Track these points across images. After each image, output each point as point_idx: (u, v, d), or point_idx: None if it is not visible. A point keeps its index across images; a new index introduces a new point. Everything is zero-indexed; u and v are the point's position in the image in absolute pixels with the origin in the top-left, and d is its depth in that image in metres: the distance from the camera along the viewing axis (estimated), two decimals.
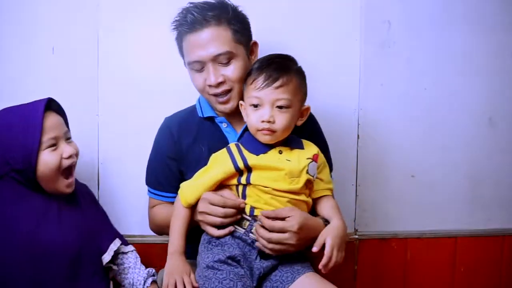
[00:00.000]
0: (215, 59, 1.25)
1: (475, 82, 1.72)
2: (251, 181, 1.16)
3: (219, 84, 1.26)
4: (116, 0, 1.56)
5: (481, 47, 1.71)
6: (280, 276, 1.16)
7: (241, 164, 1.16)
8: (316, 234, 1.14)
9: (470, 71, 1.72)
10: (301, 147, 1.23)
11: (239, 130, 1.35)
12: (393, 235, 1.73)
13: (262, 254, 1.16)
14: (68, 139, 1.25)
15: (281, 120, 1.15)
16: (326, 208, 1.24)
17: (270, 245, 1.12)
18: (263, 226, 1.13)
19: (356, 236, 1.71)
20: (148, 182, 1.42)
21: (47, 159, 1.15)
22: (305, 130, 1.29)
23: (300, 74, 1.20)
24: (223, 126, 1.35)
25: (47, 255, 1.15)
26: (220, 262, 1.13)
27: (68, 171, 1.22)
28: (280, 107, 1.15)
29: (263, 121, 1.14)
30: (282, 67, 1.17)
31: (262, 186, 1.15)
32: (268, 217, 1.13)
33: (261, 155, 1.18)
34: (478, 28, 1.71)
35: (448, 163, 1.73)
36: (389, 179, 1.71)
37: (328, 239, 1.12)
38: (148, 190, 1.43)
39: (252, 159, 1.17)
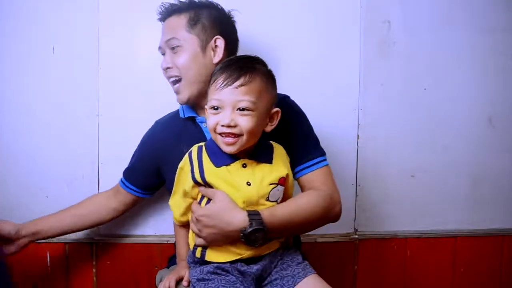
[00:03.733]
0: (167, 45, 1.33)
1: (475, 82, 1.72)
2: None
3: (168, 69, 1.34)
4: (116, 0, 1.56)
5: (481, 47, 1.71)
6: (281, 280, 1.13)
7: (199, 180, 1.10)
8: (232, 229, 1.06)
9: (470, 71, 1.72)
10: (269, 160, 1.13)
11: None
12: (393, 235, 1.73)
13: (245, 260, 1.12)
14: None
15: (244, 123, 1.05)
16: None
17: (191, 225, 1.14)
18: None
19: (356, 236, 1.71)
20: (125, 169, 1.47)
21: None
22: (279, 123, 1.16)
23: (266, 75, 1.11)
24: (204, 125, 1.35)
25: None
26: (210, 273, 1.11)
27: None
28: (241, 109, 1.05)
29: (223, 125, 1.05)
30: (245, 66, 1.08)
31: None
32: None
33: (223, 168, 1.10)
34: (478, 28, 1.71)
35: (448, 163, 1.73)
36: (389, 179, 1.71)
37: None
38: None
39: (210, 174, 1.09)
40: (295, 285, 1.12)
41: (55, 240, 1.58)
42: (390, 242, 1.73)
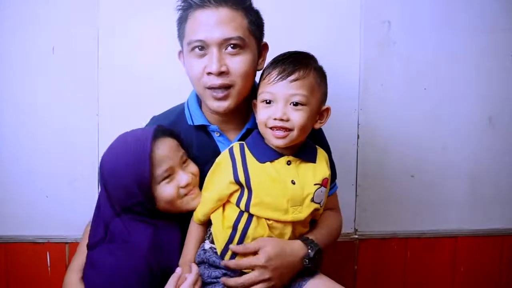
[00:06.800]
0: (222, 43, 1.10)
1: (475, 82, 1.72)
2: (251, 209, 1.05)
3: (220, 74, 1.10)
4: (116, 0, 1.56)
5: (481, 47, 1.71)
6: (292, 281, 1.10)
7: (242, 178, 1.05)
8: (296, 259, 1.06)
9: (470, 71, 1.72)
10: (313, 159, 1.11)
11: (233, 139, 1.23)
12: (393, 235, 1.73)
13: None
14: (185, 162, 1.13)
15: (296, 118, 1.03)
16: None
17: None
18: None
19: (356, 236, 1.71)
20: None
21: (163, 193, 1.09)
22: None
23: (319, 72, 1.09)
24: (216, 135, 1.22)
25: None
26: (216, 278, 1.08)
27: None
28: (295, 104, 1.03)
29: (275, 119, 1.03)
30: (300, 61, 1.06)
31: (263, 218, 1.05)
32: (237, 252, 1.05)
33: (267, 164, 1.06)
34: (478, 28, 1.71)
35: (448, 163, 1.73)
36: (389, 179, 1.71)
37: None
38: None
39: (254, 170, 1.05)
40: (304, 285, 1.09)
41: (55, 240, 1.58)
42: (390, 242, 1.73)
